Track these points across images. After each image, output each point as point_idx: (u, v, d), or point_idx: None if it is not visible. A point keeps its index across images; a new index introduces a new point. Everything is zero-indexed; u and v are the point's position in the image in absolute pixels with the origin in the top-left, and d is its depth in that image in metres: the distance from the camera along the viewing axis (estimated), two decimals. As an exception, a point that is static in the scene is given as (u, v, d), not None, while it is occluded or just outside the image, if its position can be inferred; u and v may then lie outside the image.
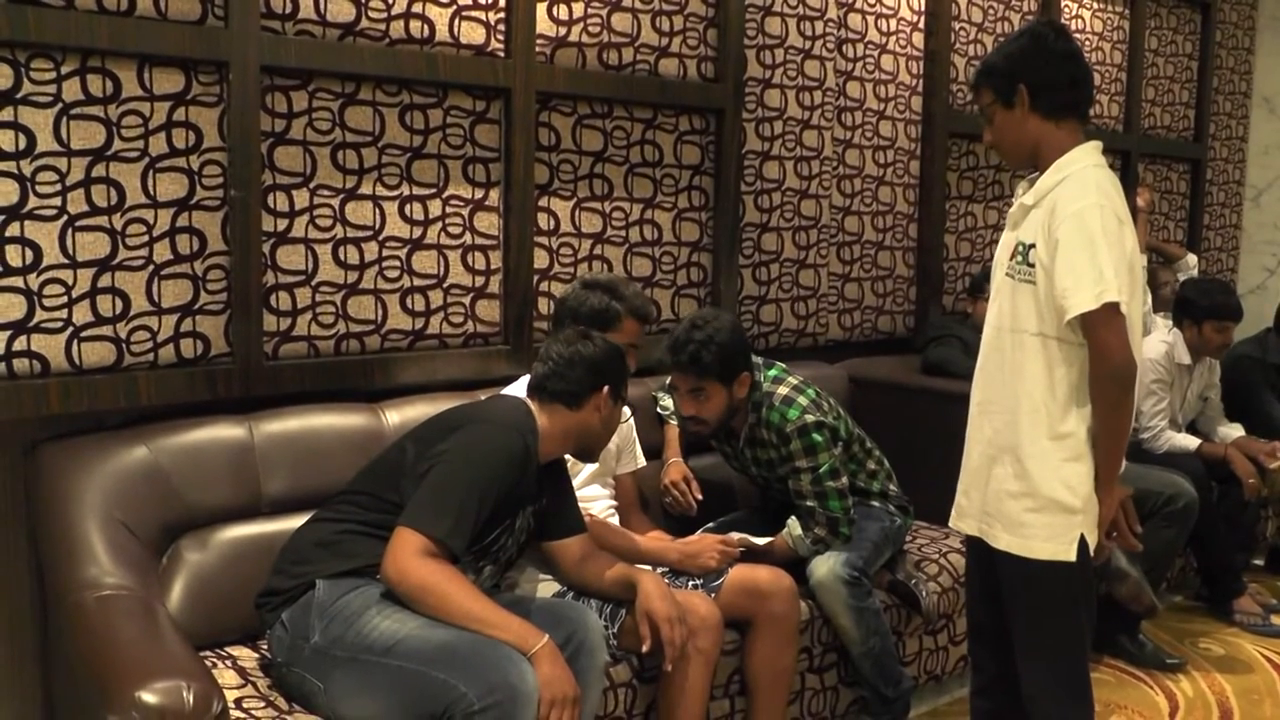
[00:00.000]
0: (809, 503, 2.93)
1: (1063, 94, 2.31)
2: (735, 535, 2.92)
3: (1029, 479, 2.29)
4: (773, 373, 3.03)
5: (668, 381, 3.29)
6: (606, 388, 2.47)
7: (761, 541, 2.95)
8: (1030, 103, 2.29)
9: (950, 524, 2.52)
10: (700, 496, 3.12)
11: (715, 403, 2.91)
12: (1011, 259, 2.33)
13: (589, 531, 2.62)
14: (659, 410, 3.33)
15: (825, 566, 2.89)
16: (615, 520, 2.93)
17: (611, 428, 2.55)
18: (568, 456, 2.61)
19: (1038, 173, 2.35)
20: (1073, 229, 2.18)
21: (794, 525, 2.96)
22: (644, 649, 2.42)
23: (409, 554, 2.16)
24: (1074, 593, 2.32)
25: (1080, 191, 2.22)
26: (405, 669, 2.09)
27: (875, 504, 3.13)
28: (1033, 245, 2.26)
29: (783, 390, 2.97)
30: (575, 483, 2.77)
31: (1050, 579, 2.30)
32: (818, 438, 2.92)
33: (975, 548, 2.49)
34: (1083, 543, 2.28)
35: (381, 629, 2.15)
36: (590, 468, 2.86)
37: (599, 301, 2.82)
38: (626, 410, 3.01)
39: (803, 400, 2.96)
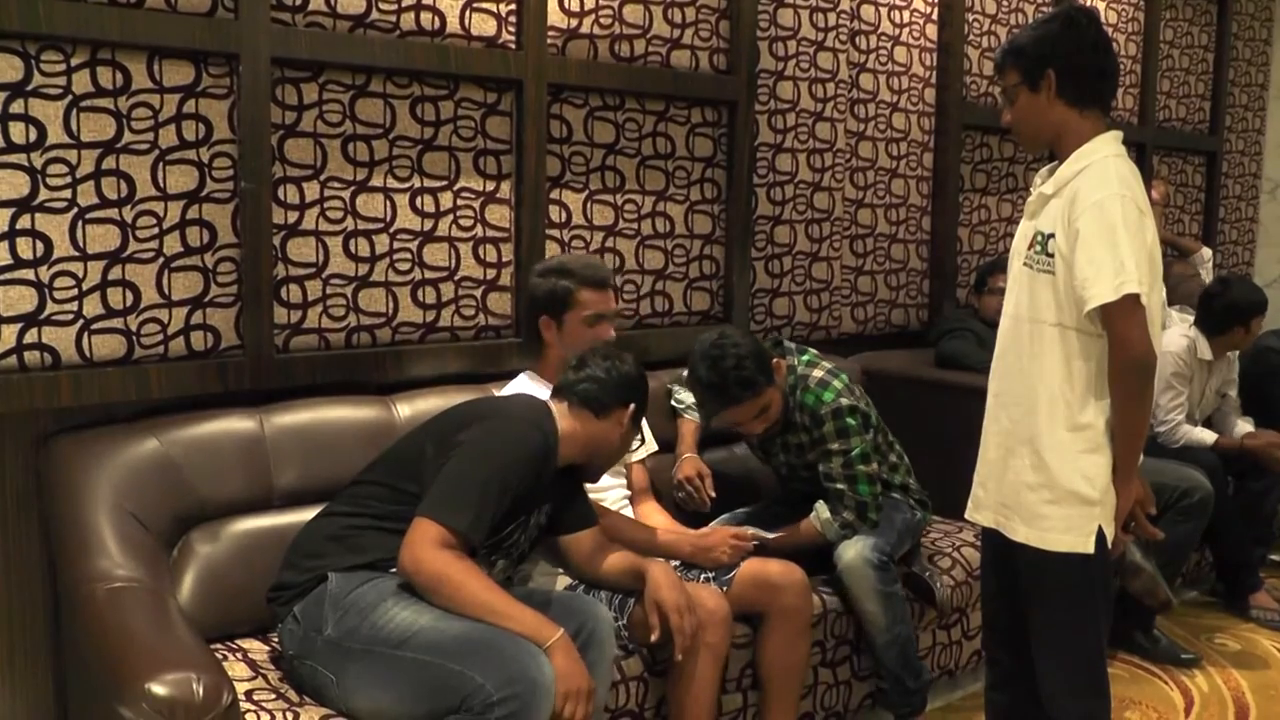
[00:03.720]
0: (839, 485, 2.92)
1: (1090, 83, 2.28)
2: (749, 529, 2.91)
3: (1047, 470, 2.27)
4: (805, 357, 3.04)
5: (685, 374, 3.28)
6: (632, 405, 2.48)
7: (773, 535, 2.93)
8: (1056, 89, 2.26)
9: (967, 515, 2.51)
10: (714, 495, 3.10)
11: (776, 403, 2.92)
12: (1030, 249, 2.31)
13: (601, 524, 2.61)
14: (674, 404, 3.32)
15: (854, 550, 2.87)
16: (629, 509, 2.92)
17: (625, 447, 2.56)
18: None
19: (1056, 161, 2.33)
20: (1093, 219, 2.16)
21: (822, 509, 2.95)
22: (653, 638, 2.42)
23: (426, 544, 2.15)
24: (1092, 585, 2.30)
25: (1101, 181, 2.19)
26: (421, 661, 2.08)
27: (896, 495, 3.12)
28: (1052, 235, 2.25)
29: (817, 374, 2.99)
30: None
31: (1068, 571, 2.28)
32: (851, 421, 2.92)
33: (991, 541, 2.48)
34: (1100, 535, 2.27)
35: (397, 621, 2.14)
36: None
37: (549, 285, 2.81)
38: None
39: (837, 384, 2.97)
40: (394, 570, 2.22)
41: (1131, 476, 2.29)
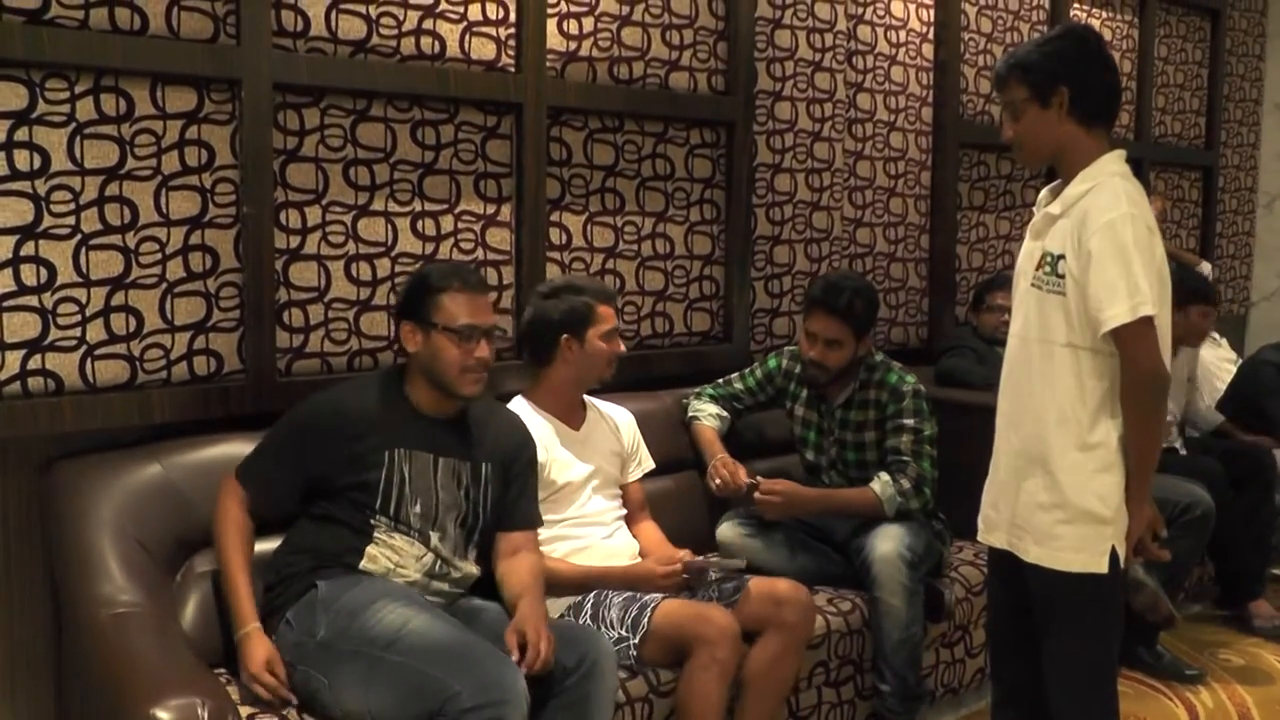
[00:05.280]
0: (904, 457, 3.07)
1: (1100, 101, 2.29)
2: (681, 552, 2.80)
3: (1061, 490, 2.27)
4: (880, 353, 3.25)
5: (721, 380, 3.40)
6: (405, 323, 2.46)
7: (715, 561, 2.86)
8: (1068, 106, 2.25)
9: (979, 538, 2.49)
10: (750, 480, 3.09)
11: (843, 353, 3.09)
12: (1038, 269, 2.30)
13: (535, 560, 2.54)
14: (692, 414, 3.35)
15: (889, 544, 2.95)
16: (623, 529, 2.91)
17: (441, 356, 2.41)
18: (544, 452, 2.70)
19: (1059, 181, 2.33)
20: (1105, 240, 2.16)
21: (883, 475, 3.07)
22: (513, 659, 2.24)
23: (220, 494, 2.40)
24: (1105, 604, 2.30)
25: (1111, 202, 2.20)
26: (404, 665, 2.11)
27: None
28: (1061, 256, 2.24)
29: (898, 364, 3.21)
30: (580, 497, 2.80)
31: (1082, 591, 2.28)
32: (926, 407, 3.13)
33: (999, 561, 2.46)
34: (1114, 554, 2.26)
35: (385, 622, 2.18)
36: (581, 469, 2.84)
37: (567, 303, 2.82)
38: (628, 415, 3.05)
39: (915, 376, 3.18)
40: (372, 570, 2.35)
41: (1145, 496, 2.28)
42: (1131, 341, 2.17)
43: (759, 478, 3.08)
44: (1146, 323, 2.15)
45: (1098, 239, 2.17)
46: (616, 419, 3.02)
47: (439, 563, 2.43)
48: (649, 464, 3.07)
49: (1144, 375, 2.18)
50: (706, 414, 3.33)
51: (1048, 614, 2.35)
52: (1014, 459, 2.37)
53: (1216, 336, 4.88)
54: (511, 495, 2.57)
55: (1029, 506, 2.32)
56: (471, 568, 2.51)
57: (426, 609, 2.27)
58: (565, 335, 2.81)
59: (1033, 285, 2.32)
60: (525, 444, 2.63)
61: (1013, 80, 2.30)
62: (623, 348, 2.89)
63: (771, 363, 3.37)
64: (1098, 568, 2.26)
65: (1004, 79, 2.32)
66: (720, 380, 3.42)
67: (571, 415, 2.89)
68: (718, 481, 3.13)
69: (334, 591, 2.28)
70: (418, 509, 2.40)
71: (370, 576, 2.34)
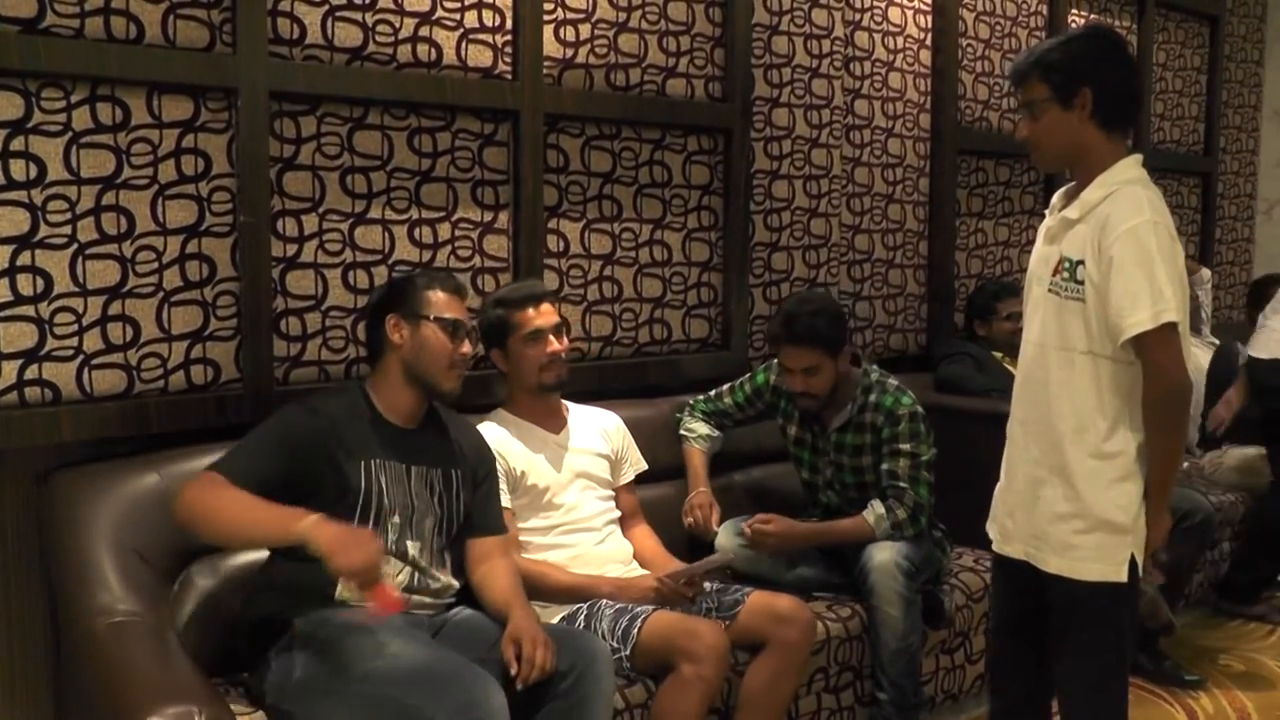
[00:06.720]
0: (901, 484, 3.03)
1: (1122, 105, 2.26)
2: (680, 572, 2.78)
3: (1080, 499, 2.24)
4: (876, 370, 3.18)
5: (690, 401, 3.36)
6: (391, 316, 2.47)
7: (715, 562, 2.85)
8: (1091, 108, 2.22)
9: (995, 549, 2.47)
10: (717, 529, 3.12)
11: (825, 376, 3.04)
12: (1055, 275, 2.26)
13: (506, 537, 2.57)
14: (683, 433, 3.33)
15: (886, 553, 2.94)
16: (617, 532, 2.91)
17: (429, 346, 2.45)
18: (520, 458, 2.73)
19: (1073, 184, 2.30)
20: (1128, 247, 2.14)
21: (877, 505, 3.03)
22: (512, 672, 2.26)
23: (194, 481, 2.25)
24: (1121, 614, 2.27)
25: (1133, 209, 2.16)
26: (380, 696, 2.08)
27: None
28: (1080, 262, 2.21)
29: (893, 382, 3.14)
30: (566, 500, 2.80)
31: (1101, 600, 2.26)
32: (924, 429, 3.07)
33: (1011, 571, 2.43)
34: (1133, 562, 2.24)
35: (359, 654, 2.14)
36: (564, 470, 2.84)
37: (489, 318, 2.86)
38: (616, 419, 3.05)
39: (911, 395, 3.11)
40: (348, 598, 2.26)
41: (1164, 506, 2.26)
42: (1154, 349, 2.14)
43: (748, 526, 3.04)
44: (1170, 329, 2.12)
45: (1119, 245, 2.14)
46: (603, 423, 3.02)
47: (416, 575, 2.41)
48: (641, 465, 3.07)
49: (1168, 384, 2.15)
50: (696, 435, 3.31)
51: (1065, 623, 2.32)
52: (1032, 468, 2.34)
53: (1216, 342, 4.88)
54: (479, 500, 2.57)
55: (1047, 516, 2.30)
56: (449, 578, 2.48)
57: (401, 634, 2.21)
58: (494, 350, 2.86)
59: (1050, 291, 2.28)
60: (486, 449, 2.66)
61: (1034, 78, 2.25)
62: (554, 345, 2.81)
63: (759, 378, 3.32)
64: (1117, 577, 2.24)
65: (1024, 76, 2.27)
66: (711, 393, 3.38)
67: (549, 420, 2.91)
68: (689, 520, 3.14)
69: (310, 627, 2.24)
70: (396, 519, 2.38)
71: (348, 607, 2.27)
